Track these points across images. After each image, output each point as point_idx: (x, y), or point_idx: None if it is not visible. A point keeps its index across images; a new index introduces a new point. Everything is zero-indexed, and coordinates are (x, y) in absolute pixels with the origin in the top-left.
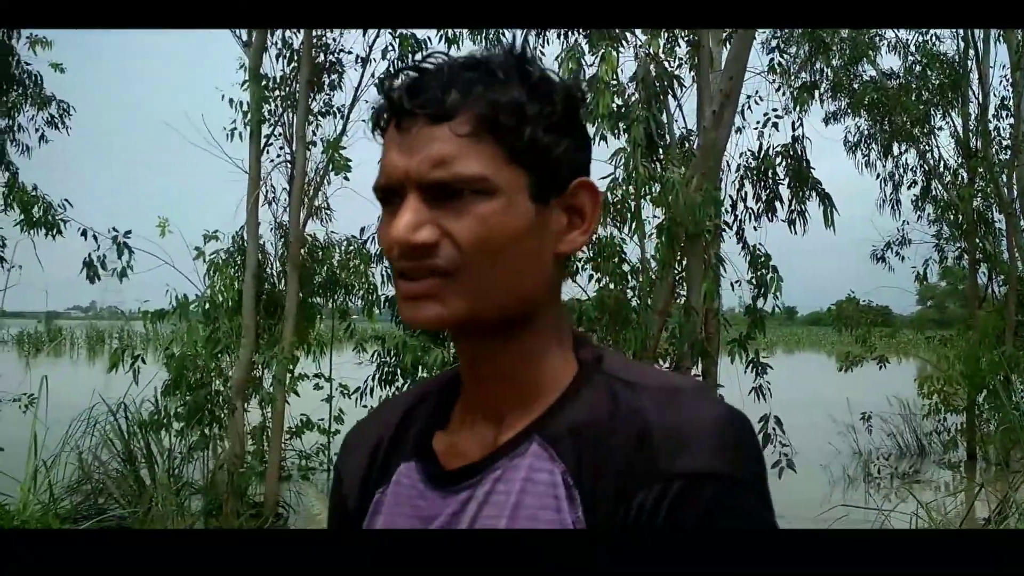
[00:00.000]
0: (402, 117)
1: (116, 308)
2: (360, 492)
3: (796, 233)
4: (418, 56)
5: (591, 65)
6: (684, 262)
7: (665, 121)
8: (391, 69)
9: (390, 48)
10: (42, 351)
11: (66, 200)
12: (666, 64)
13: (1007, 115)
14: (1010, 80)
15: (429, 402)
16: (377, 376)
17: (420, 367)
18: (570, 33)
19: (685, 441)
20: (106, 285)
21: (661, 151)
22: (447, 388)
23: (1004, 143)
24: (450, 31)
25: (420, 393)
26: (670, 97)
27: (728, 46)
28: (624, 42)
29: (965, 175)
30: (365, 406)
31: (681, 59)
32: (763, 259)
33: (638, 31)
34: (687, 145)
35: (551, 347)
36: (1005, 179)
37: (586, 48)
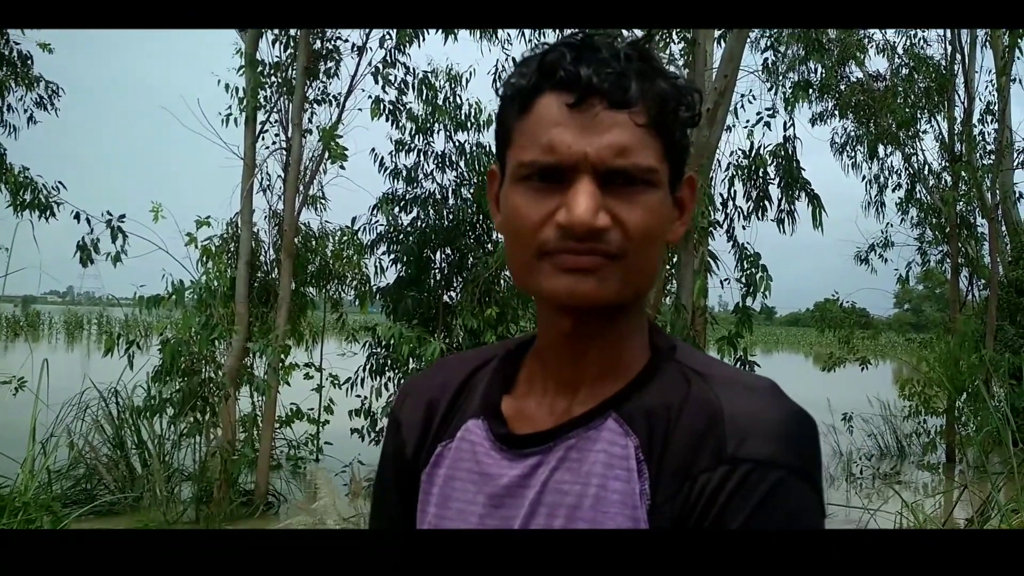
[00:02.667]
0: (584, 97)
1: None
2: (419, 442)
3: (785, 233)
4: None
5: None
6: (675, 259)
7: None
8: (535, 43)
9: (387, 37)
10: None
11: (60, 182)
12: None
13: (992, 120)
14: (995, 85)
15: (492, 365)
16: (367, 367)
17: (413, 358)
18: (567, 29)
19: (754, 430)
20: (84, 271)
21: None
22: (511, 355)
23: (988, 148)
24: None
25: (484, 356)
26: None
27: (723, 44)
28: (619, 40)
29: (949, 179)
30: (358, 396)
31: (673, 56)
32: (752, 258)
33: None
34: None
35: (637, 331)
36: (988, 184)
37: None
